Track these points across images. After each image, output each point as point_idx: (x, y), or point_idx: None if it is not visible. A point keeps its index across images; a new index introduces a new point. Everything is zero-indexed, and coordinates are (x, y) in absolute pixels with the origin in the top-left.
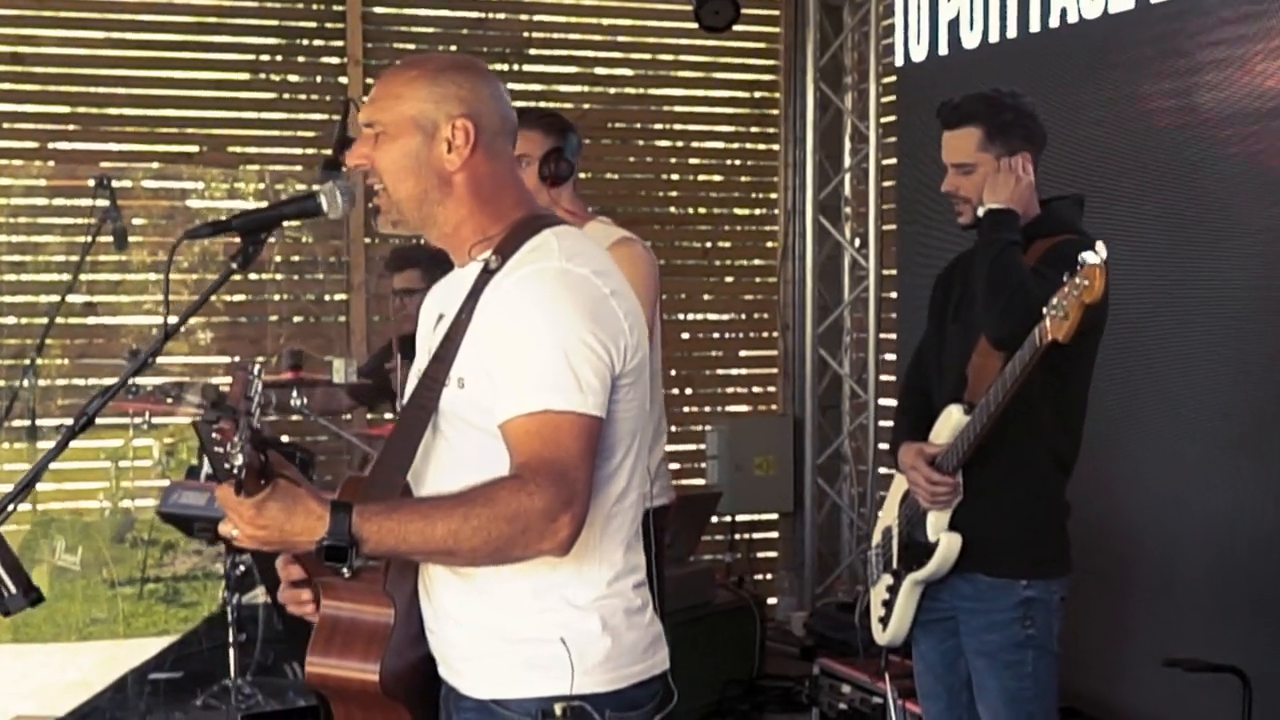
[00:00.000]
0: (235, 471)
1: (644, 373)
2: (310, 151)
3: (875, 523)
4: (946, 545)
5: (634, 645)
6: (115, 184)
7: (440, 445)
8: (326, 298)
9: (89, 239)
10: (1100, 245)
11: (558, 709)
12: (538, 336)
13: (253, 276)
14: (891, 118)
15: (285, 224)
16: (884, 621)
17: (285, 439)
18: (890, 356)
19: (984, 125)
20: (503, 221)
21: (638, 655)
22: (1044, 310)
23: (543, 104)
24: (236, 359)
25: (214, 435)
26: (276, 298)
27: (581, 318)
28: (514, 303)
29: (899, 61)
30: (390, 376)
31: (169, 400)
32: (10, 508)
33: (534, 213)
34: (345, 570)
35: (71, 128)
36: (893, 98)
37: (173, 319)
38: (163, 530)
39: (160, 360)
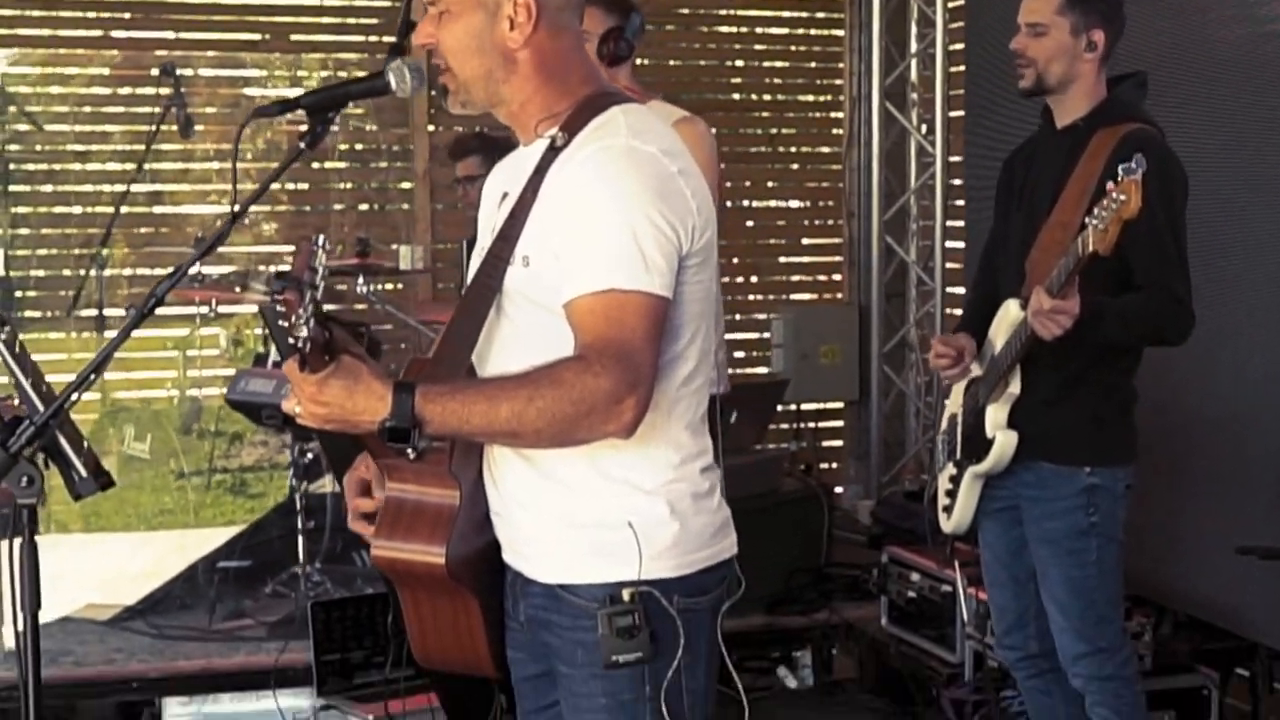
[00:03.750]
0: (299, 345)
1: (712, 254)
2: (373, 39)
3: (941, 410)
4: (1002, 443)
5: (702, 530)
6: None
7: (504, 325)
8: (390, 186)
9: (153, 128)
10: (1139, 158)
11: (625, 594)
12: (604, 214)
13: (315, 165)
14: (959, 1)
15: (349, 112)
16: (948, 510)
17: (359, 326)
18: (956, 244)
19: None
20: (569, 98)
21: (705, 540)
22: (1086, 220)
23: None
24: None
25: (278, 307)
26: (340, 186)
27: (648, 196)
28: (580, 180)
29: None
30: None
31: (235, 289)
32: (76, 395)
33: (602, 89)
34: (410, 451)
35: (130, 16)
36: None
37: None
38: (229, 421)
39: (225, 250)
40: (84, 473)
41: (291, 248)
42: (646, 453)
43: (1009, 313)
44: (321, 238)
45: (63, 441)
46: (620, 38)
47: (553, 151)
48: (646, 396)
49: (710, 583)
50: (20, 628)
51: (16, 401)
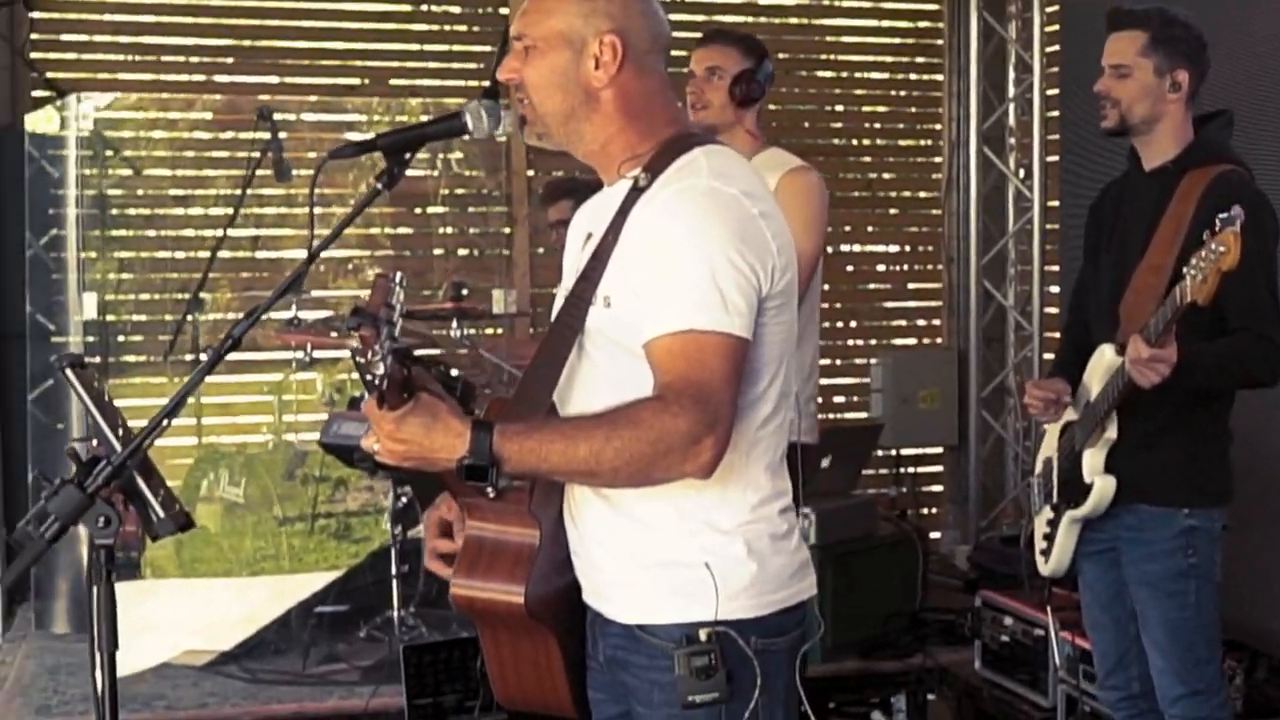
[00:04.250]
0: (377, 382)
1: (792, 298)
2: (472, 84)
3: (1039, 449)
4: (1101, 489)
5: (780, 571)
6: (277, 116)
7: (585, 365)
8: (491, 231)
9: (249, 172)
10: (1237, 209)
11: (702, 634)
12: (684, 255)
13: (418, 210)
14: (1056, 47)
15: (451, 156)
16: (1045, 554)
17: (451, 370)
18: (1055, 289)
19: (1150, 31)
20: (652, 139)
21: (783, 581)
22: (1184, 270)
23: None
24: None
25: (354, 344)
26: (441, 231)
27: (729, 237)
28: (661, 221)
29: None
30: None
31: (332, 334)
32: (152, 435)
33: (684, 131)
34: (489, 490)
35: (232, 60)
36: (1057, 26)
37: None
38: (334, 467)
39: (325, 294)
40: (161, 513)
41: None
42: (725, 493)
43: (1104, 358)
44: (399, 274)
45: (140, 482)
46: (753, 79)
47: (635, 192)
48: (725, 437)
49: (788, 624)
50: (99, 670)
51: (95, 442)
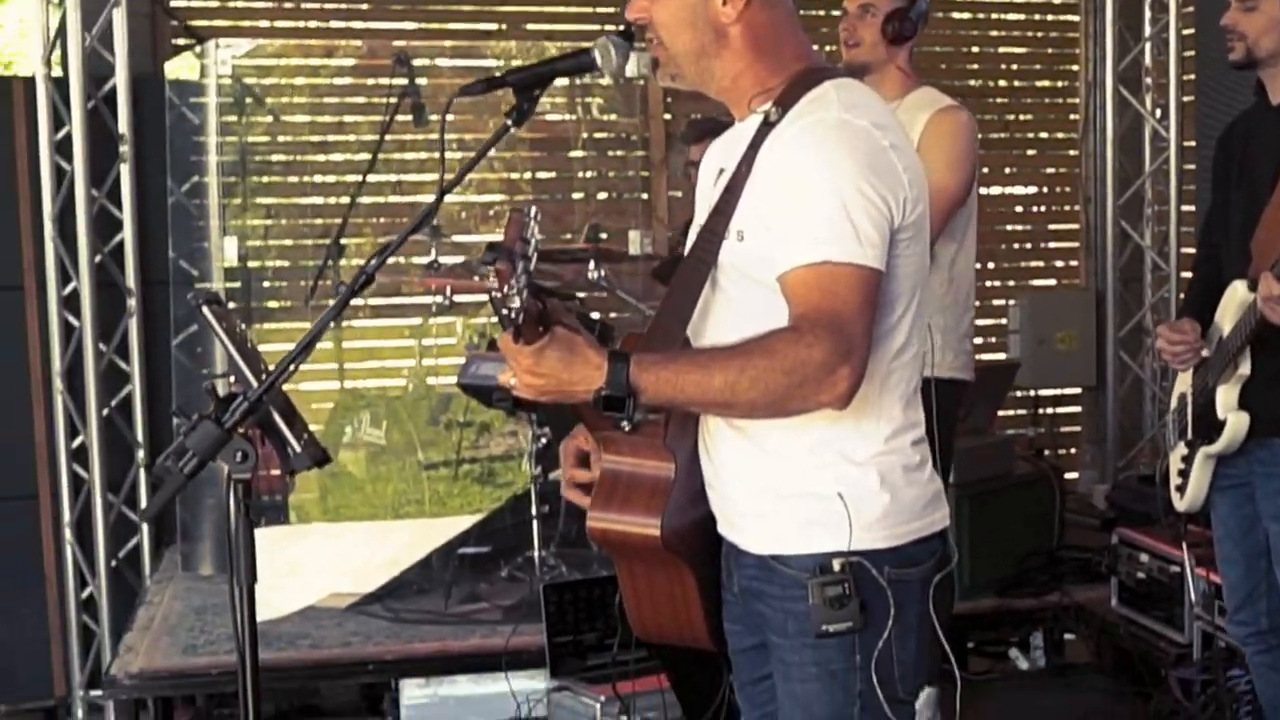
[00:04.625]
0: (513, 316)
1: (923, 229)
2: (611, 28)
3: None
4: (1234, 425)
5: (913, 502)
6: (415, 62)
7: (719, 299)
8: (631, 174)
9: (387, 117)
10: None
11: (836, 564)
12: (816, 188)
13: (557, 154)
14: None
15: (590, 100)
16: (1180, 490)
17: (590, 313)
18: (1190, 229)
19: None
20: (782, 74)
21: (916, 512)
22: None
23: None
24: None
25: (491, 279)
26: (581, 175)
27: (860, 169)
28: (792, 154)
29: None
30: None
31: (475, 278)
32: (289, 369)
33: (814, 64)
34: (625, 422)
35: (367, 6)
36: None
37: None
38: (478, 411)
39: (467, 239)
40: (298, 447)
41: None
42: (858, 424)
43: (1236, 294)
44: (533, 209)
45: (276, 417)
46: (905, 17)
47: (766, 127)
48: (860, 367)
49: (921, 554)
50: (238, 603)
51: (233, 379)
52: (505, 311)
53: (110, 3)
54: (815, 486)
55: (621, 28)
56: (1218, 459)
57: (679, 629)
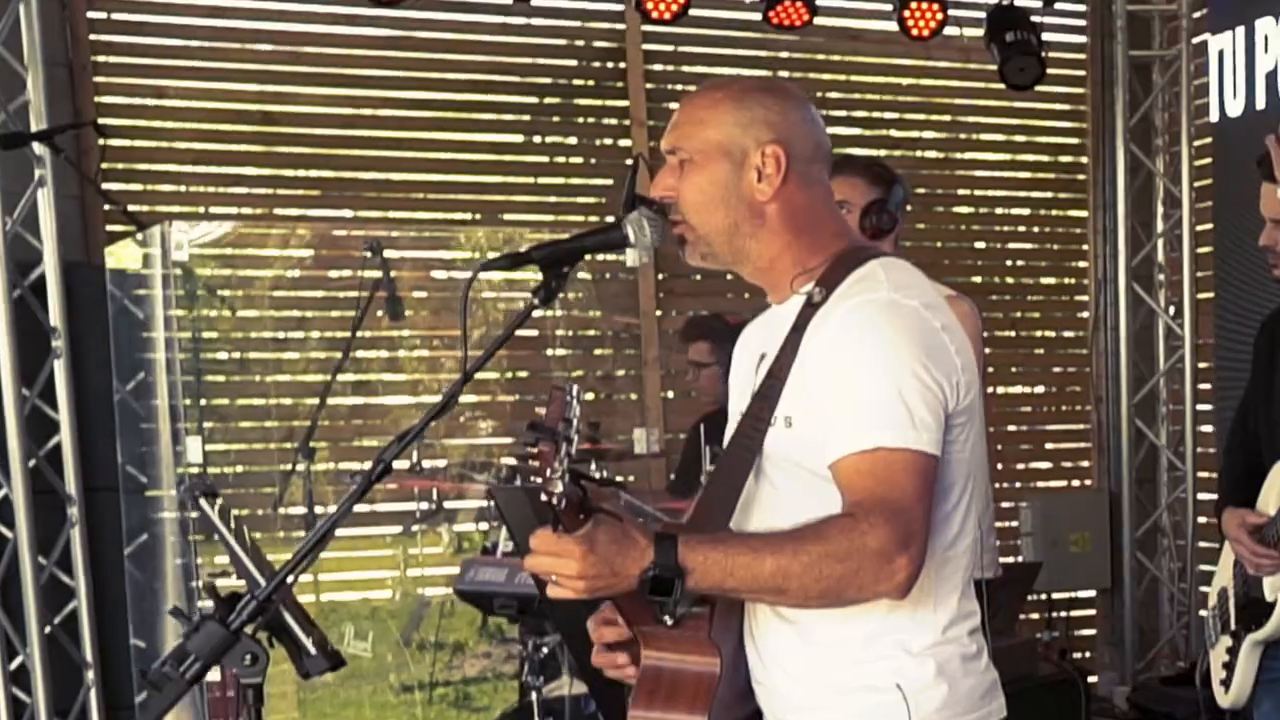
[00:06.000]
0: (555, 502)
1: (977, 413)
2: (591, 217)
3: (1195, 589)
4: None
5: (970, 692)
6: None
7: (765, 489)
8: (618, 373)
9: (359, 311)
10: None
11: None
12: (869, 370)
13: (534, 352)
14: (1205, 181)
15: (571, 296)
16: (1225, 684)
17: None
18: (1207, 428)
19: None
20: (822, 253)
21: (974, 702)
22: None
23: None
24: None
25: (530, 461)
26: (562, 373)
27: (914, 351)
28: (842, 335)
29: (1214, 117)
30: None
31: (456, 479)
32: (302, 564)
33: (856, 243)
34: (670, 607)
35: (331, 193)
36: (1206, 159)
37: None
38: (449, 630)
39: (442, 442)
40: (313, 650)
41: (509, 440)
42: (915, 614)
43: None
44: (575, 387)
45: (288, 616)
46: (883, 209)
47: (810, 308)
48: (920, 556)
49: None
50: None
51: (235, 577)
52: (545, 498)
53: (34, 184)
54: (871, 679)
55: (609, 218)
56: (1265, 647)
57: None
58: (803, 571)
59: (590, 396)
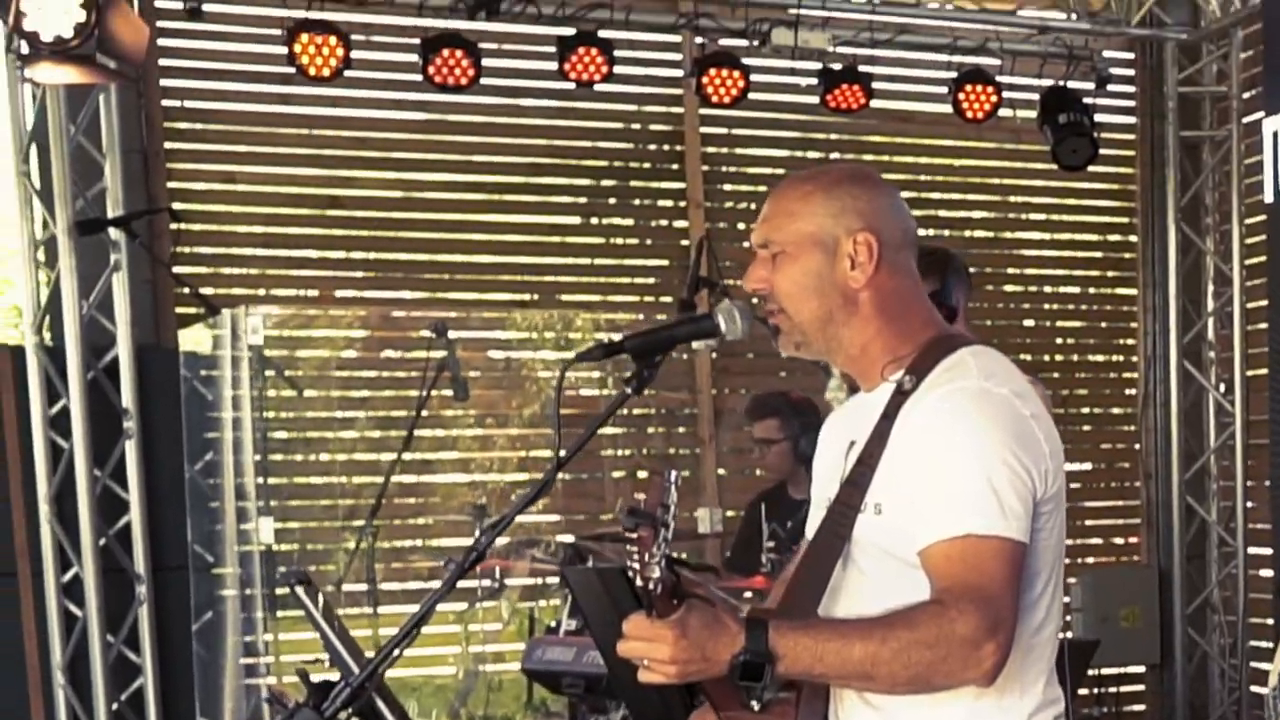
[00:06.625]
0: (651, 588)
1: (1062, 501)
2: (648, 299)
3: (1245, 665)
4: None
5: None
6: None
7: (853, 576)
8: (670, 450)
9: (424, 392)
10: None
11: None
12: (959, 458)
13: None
14: (1255, 259)
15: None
16: None
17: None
18: (1255, 504)
19: None
20: (912, 341)
21: None
22: None
23: None
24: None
25: (629, 546)
26: (612, 452)
27: (1004, 439)
28: (933, 423)
29: (1268, 198)
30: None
31: (512, 559)
32: (396, 652)
33: (944, 331)
34: (760, 693)
35: (391, 274)
36: (1257, 238)
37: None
38: (496, 705)
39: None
40: None
41: (558, 517)
42: (1001, 701)
43: None
44: (674, 473)
45: (380, 704)
46: (940, 303)
47: (900, 395)
48: (1008, 643)
49: None
50: None
51: (328, 663)
52: (641, 582)
53: (110, 268)
54: None
55: (666, 298)
56: None
57: None
58: (891, 658)
59: (643, 475)
